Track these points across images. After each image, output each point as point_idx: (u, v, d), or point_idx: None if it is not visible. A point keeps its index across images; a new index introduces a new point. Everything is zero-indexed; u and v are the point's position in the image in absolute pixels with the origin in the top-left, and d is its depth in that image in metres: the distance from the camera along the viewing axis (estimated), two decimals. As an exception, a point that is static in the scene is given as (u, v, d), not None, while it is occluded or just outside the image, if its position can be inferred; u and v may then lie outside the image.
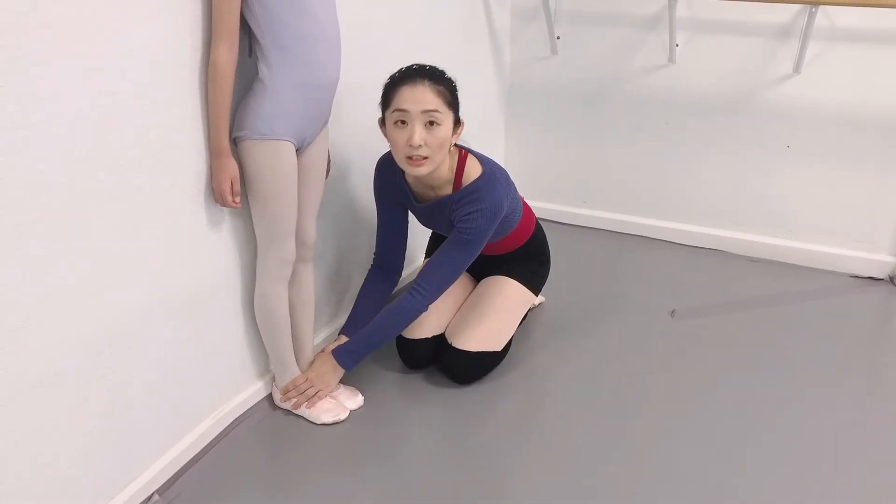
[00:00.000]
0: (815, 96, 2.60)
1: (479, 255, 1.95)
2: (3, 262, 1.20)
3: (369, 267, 2.14)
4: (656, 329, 2.36)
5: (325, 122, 1.74)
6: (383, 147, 1.92)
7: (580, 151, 3.05)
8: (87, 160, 1.31)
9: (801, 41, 2.51)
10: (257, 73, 1.57)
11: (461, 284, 2.18)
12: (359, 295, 2.10)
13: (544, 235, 2.26)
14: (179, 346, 1.64)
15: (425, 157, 1.76)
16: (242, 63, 1.55)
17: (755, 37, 2.61)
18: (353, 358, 1.94)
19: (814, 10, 2.39)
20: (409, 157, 1.76)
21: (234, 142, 1.60)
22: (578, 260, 2.84)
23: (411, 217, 2.09)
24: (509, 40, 3.01)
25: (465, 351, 2.01)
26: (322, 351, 1.99)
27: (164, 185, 1.50)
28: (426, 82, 1.74)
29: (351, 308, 2.10)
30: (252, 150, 1.59)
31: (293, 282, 1.84)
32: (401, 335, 2.07)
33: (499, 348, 2.07)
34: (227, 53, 1.49)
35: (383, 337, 1.94)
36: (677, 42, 2.70)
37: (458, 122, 1.82)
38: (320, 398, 1.89)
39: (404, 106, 1.73)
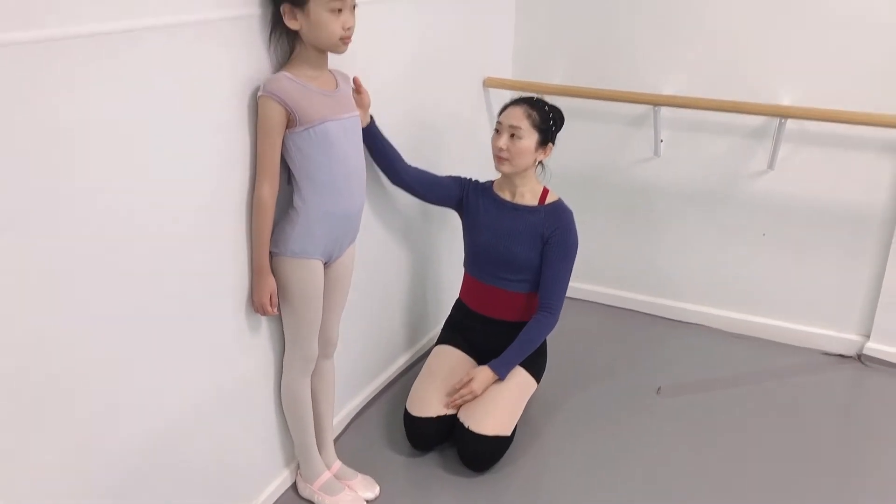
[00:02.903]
0: (787, 190, 2.85)
1: (490, 323, 2.38)
2: (77, 378, 1.40)
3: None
4: (644, 408, 2.56)
5: (353, 241, 1.96)
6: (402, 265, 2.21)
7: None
8: (152, 282, 1.53)
9: (773, 142, 2.75)
10: (292, 202, 1.79)
11: (463, 368, 2.36)
12: None
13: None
14: (221, 442, 1.82)
15: (507, 159, 2.24)
16: (283, 189, 1.77)
17: (733, 136, 2.87)
18: (507, 369, 2.30)
19: (783, 119, 2.65)
20: (497, 157, 2.27)
21: (270, 255, 1.81)
22: (568, 332, 3.00)
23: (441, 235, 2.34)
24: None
25: (482, 435, 2.16)
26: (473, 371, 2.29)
27: (214, 299, 1.71)
28: (524, 105, 2.25)
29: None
30: (284, 265, 1.81)
31: (316, 375, 2.03)
32: (407, 412, 2.27)
33: (508, 433, 2.23)
34: (269, 189, 1.71)
35: (529, 349, 2.32)
36: (662, 138, 2.95)
37: (544, 143, 2.28)
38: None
39: (500, 119, 2.28)
